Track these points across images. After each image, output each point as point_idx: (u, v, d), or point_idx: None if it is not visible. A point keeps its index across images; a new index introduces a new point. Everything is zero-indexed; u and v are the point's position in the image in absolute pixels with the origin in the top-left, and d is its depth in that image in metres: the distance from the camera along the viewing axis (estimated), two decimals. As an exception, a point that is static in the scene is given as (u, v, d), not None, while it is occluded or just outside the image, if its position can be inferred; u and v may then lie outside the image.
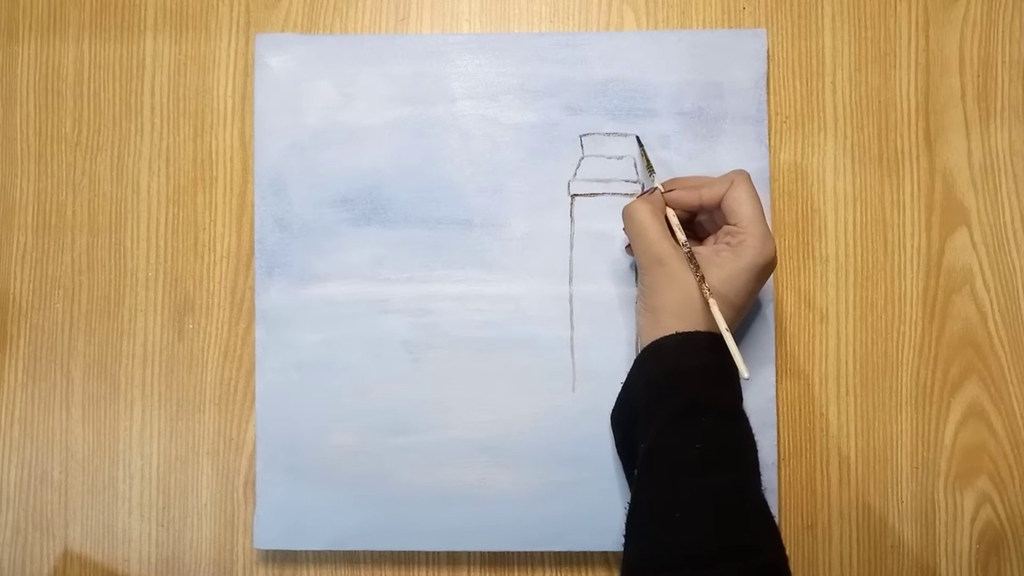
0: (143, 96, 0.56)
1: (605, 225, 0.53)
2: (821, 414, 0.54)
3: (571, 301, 0.53)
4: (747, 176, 0.47)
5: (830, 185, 0.54)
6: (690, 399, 0.44)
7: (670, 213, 0.48)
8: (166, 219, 0.55)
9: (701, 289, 0.45)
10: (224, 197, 0.55)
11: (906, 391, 0.54)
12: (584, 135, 0.53)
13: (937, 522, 0.53)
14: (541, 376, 0.52)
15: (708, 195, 0.47)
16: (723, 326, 0.44)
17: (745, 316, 0.51)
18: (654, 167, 0.51)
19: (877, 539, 0.53)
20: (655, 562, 0.41)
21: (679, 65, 0.53)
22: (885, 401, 0.54)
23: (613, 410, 0.50)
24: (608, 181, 0.53)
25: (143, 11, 0.56)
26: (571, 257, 0.53)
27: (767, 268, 0.46)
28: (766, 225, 0.46)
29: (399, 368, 0.52)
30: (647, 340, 0.47)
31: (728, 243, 0.46)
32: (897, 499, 0.53)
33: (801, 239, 0.54)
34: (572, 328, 0.52)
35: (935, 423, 0.53)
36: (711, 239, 0.49)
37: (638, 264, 0.48)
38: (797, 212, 0.54)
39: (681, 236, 0.47)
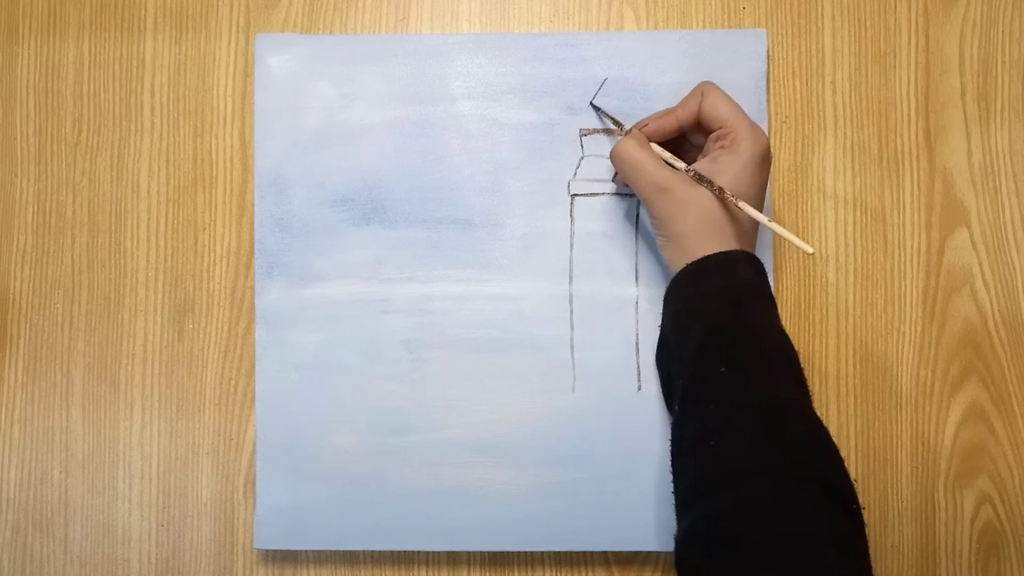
0: (143, 96, 0.56)
1: (605, 225, 0.53)
2: (821, 414, 0.54)
3: (571, 301, 0.53)
4: (714, 84, 0.48)
5: (830, 185, 0.54)
6: (711, 327, 0.44)
7: (656, 147, 0.48)
8: (166, 219, 0.55)
9: (722, 198, 0.45)
10: (224, 197, 0.55)
11: (906, 391, 0.54)
12: (583, 129, 0.53)
13: (937, 522, 0.53)
14: (541, 376, 0.52)
15: (683, 113, 0.48)
16: (763, 218, 0.44)
17: None
18: (619, 120, 0.51)
19: (877, 539, 0.53)
20: (695, 491, 0.41)
21: (679, 65, 0.53)
22: (885, 401, 0.54)
23: (656, 352, 0.51)
24: (608, 181, 0.53)
25: (143, 11, 0.56)
26: (571, 257, 0.53)
27: (766, 156, 0.46)
28: (749, 118, 0.46)
29: (399, 368, 0.52)
30: (677, 270, 0.47)
31: (722, 147, 0.46)
32: (897, 499, 0.53)
33: (801, 239, 0.54)
34: (572, 328, 0.52)
35: (935, 423, 0.53)
36: (701, 158, 0.49)
37: (643, 200, 0.48)
38: (797, 212, 0.54)
39: (679, 163, 0.47)
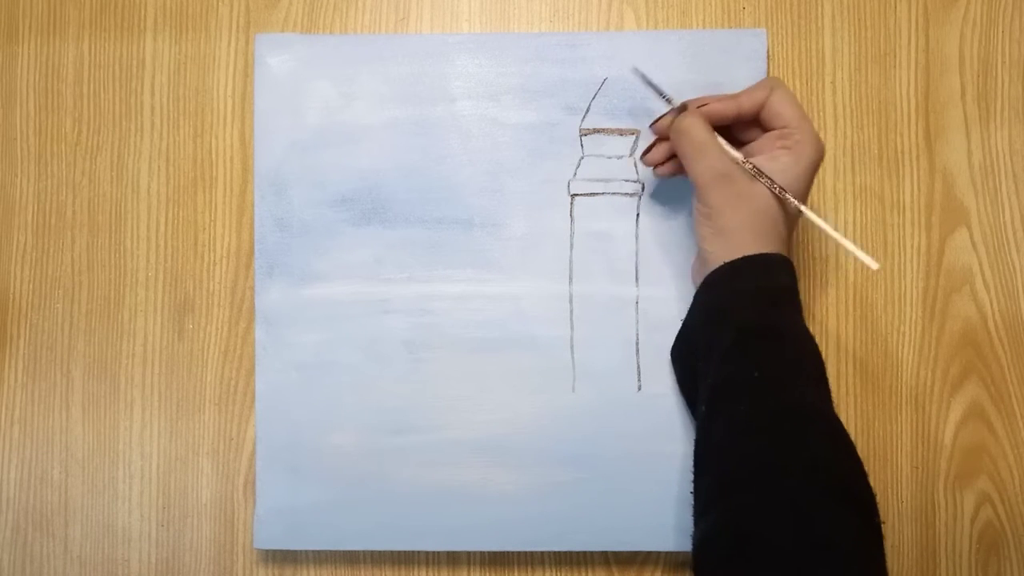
0: (143, 96, 0.56)
1: (605, 225, 0.53)
2: (821, 414, 0.54)
3: (571, 301, 0.53)
4: (783, 81, 0.47)
5: (830, 185, 0.54)
6: (743, 327, 0.44)
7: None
8: (166, 219, 0.55)
9: (784, 199, 0.44)
10: (224, 197, 0.55)
11: (906, 391, 0.54)
12: (583, 129, 0.53)
13: (937, 522, 0.53)
14: (541, 376, 0.52)
15: (748, 102, 0.46)
16: (826, 227, 0.44)
17: None
18: (667, 94, 0.48)
19: (877, 539, 0.53)
20: (717, 491, 0.41)
21: (679, 65, 0.53)
22: (885, 401, 0.54)
23: (673, 346, 0.51)
24: (608, 181, 0.53)
25: (143, 11, 0.56)
26: (571, 257, 0.53)
27: (820, 162, 0.46)
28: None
29: (399, 368, 0.52)
30: (716, 264, 0.46)
31: (786, 147, 0.45)
32: (897, 499, 0.53)
33: (801, 239, 0.54)
34: (572, 328, 0.52)
35: (935, 423, 0.53)
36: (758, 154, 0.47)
37: (698, 186, 0.46)
38: (797, 212, 0.54)
39: (736, 153, 0.46)
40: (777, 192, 0.44)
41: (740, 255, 0.44)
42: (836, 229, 0.54)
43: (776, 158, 0.45)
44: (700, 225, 0.47)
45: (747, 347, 0.43)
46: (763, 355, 0.43)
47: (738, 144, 0.47)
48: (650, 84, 0.49)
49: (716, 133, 0.46)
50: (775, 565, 0.37)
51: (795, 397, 0.42)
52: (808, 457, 0.40)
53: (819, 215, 0.54)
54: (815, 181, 0.54)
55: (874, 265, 0.43)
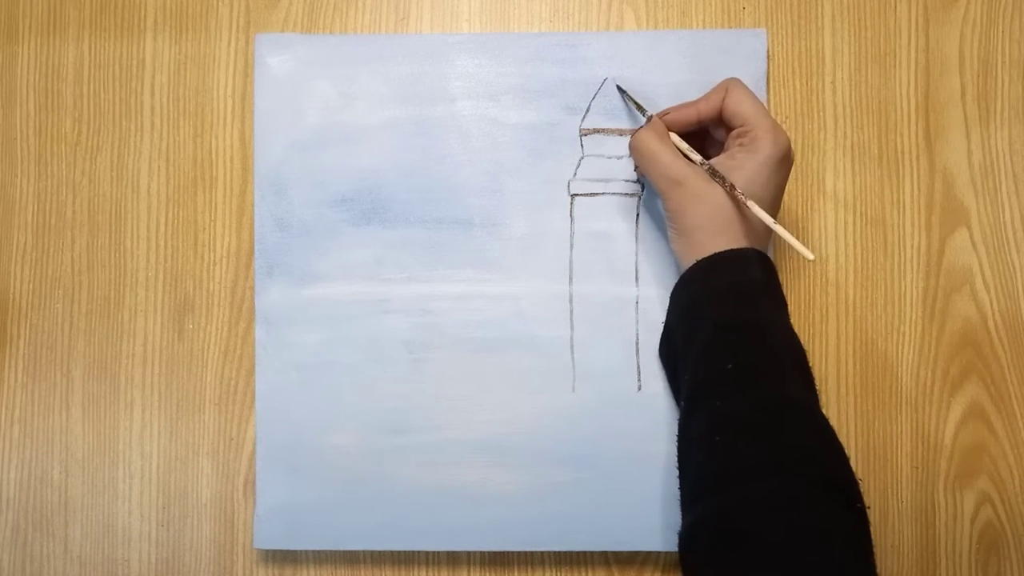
0: (143, 96, 0.56)
1: (605, 225, 0.53)
2: (821, 414, 0.54)
3: (571, 301, 0.53)
4: (740, 80, 0.48)
5: (830, 185, 0.54)
6: (718, 322, 0.44)
7: (675, 137, 0.48)
8: (166, 219, 0.55)
9: (733, 195, 0.45)
10: (224, 197, 0.55)
11: (906, 391, 0.54)
12: (583, 129, 0.53)
13: (937, 522, 0.53)
14: (541, 376, 0.52)
15: (705, 106, 0.48)
16: (769, 219, 0.45)
17: None
18: (643, 105, 0.51)
19: (877, 539, 0.53)
20: (700, 487, 0.42)
21: (679, 65, 0.53)
22: (885, 401, 0.54)
23: (659, 346, 0.51)
24: (608, 181, 0.53)
25: (143, 11, 0.56)
26: (571, 257, 0.53)
27: (785, 159, 0.46)
28: (772, 117, 0.46)
29: (399, 368, 0.52)
30: (687, 265, 0.47)
31: (741, 144, 0.46)
32: (897, 499, 0.53)
33: (801, 239, 0.54)
34: (572, 328, 0.52)
35: (935, 423, 0.53)
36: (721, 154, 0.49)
37: (658, 192, 0.48)
38: (797, 212, 0.54)
39: (695, 156, 0.47)
40: (728, 189, 0.45)
41: (705, 253, 0.46)
42: (838, 228, 0.54)
43: (733, 155, 0.46)
44: (668, 227, 0.49)
45: (723, 343, 0.44)
46: (739, 350, 0.43)
47: (719, 147, 0.49)
48: (631, 99, 0.52)
49: (674, 137, 0.48)
50: (763, 557, 0.37)
51: (773, 389, 0.42)
52: (790, 449, 0.40)
53: (819, 215, 0.54)
54: (816, 181, 0.54)
55: (810, 256, 0.43)
